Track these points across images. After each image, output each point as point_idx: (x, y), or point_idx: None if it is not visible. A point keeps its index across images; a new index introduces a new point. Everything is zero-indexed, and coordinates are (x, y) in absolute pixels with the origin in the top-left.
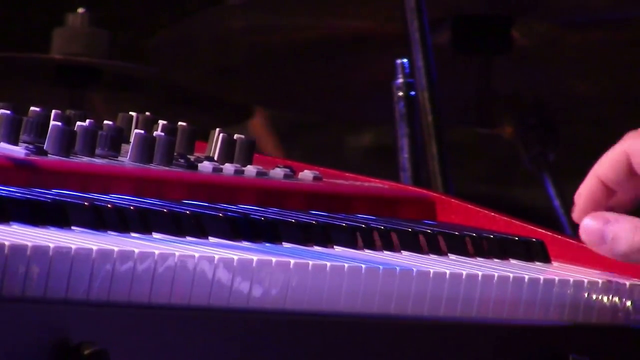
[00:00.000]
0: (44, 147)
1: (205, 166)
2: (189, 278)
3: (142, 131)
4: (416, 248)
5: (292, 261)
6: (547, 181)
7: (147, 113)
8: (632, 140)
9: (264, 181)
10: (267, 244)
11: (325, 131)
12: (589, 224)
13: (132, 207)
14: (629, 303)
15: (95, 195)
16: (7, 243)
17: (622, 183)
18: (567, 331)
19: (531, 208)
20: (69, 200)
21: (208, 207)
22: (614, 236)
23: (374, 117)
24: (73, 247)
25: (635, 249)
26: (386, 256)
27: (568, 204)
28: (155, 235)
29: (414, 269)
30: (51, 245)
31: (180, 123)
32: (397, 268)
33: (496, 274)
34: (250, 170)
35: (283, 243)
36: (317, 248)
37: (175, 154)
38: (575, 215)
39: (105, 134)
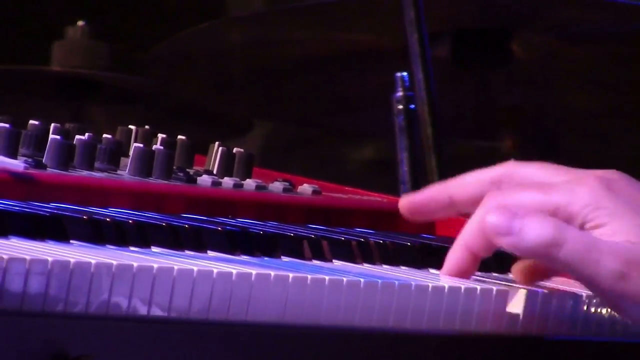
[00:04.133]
0: (43, 161)
1: (204, 180)
2: (187, 292)
3: (141, 145)
4: (413, 261)
5: (291, 275)
6: None
7: (147, 126)
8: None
9: (263, 195)
10: (266, 258)
11: (324, 145)
12: (494, 218)
13: (130, 221)
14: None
15: (94, 209)
16: (5, 257)
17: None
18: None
19: None
20: (67, 213)
21: (207, 221)
22: (523, 228)
23: (373, 131)
24: (72, 260)
25: (545, 242)
26: (385, 270)
27: None
28: (154, 249)
29: (413, 284)
30: (50, 259)
31: (179, 137)
32: (396, 282)
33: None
34: (250, 184)
35: (282, 257)
36: (315, 262)
37: (174, 167)
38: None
39: (104, 148)
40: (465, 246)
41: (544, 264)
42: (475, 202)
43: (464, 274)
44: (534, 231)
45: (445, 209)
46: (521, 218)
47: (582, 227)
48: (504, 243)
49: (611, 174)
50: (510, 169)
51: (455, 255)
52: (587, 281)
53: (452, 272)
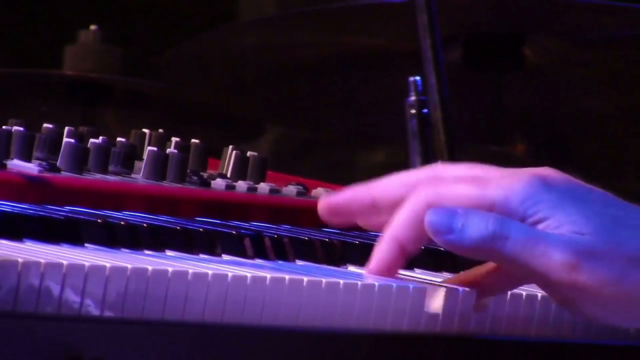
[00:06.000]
0: (57, 164)
1: (218, 183)
2: (202, 295)
3: (155, 148)
4: (431, 265)
5: (305, 279)
6: None
7: (160, 130)
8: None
9: (277, 198)
10: (280, 262)
11: (337, 149)
12: (434, 217)
13: (145, 225)
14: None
15: (108, 213)
16: (20, 260)
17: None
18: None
19: None
20: (82, 217)
21: (221, 225)
22: (465, 223)
23: (385, 135)
24: (86, 264)
25: (489, 237)
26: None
27: None
28: (169, 252)
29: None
30: (64, 262)
31: (193, 140)
32: (411, 286)
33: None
34: (263, 187)
35: (296, 261)
36: (329, 266)
37: (188, 171)
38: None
39: (118, 151)
40: (395, 239)
41: (488, 261)
42: (398, 204)
43: (392, 268)
44: (476, 227)
45: (368, 212)
46: (462, 215)
47: (522, 222)
48: (446, 242)
49: (545, 170)
50: (437, 170)
51: (384, 248)
52: (536, 276)
53: (380, 266)
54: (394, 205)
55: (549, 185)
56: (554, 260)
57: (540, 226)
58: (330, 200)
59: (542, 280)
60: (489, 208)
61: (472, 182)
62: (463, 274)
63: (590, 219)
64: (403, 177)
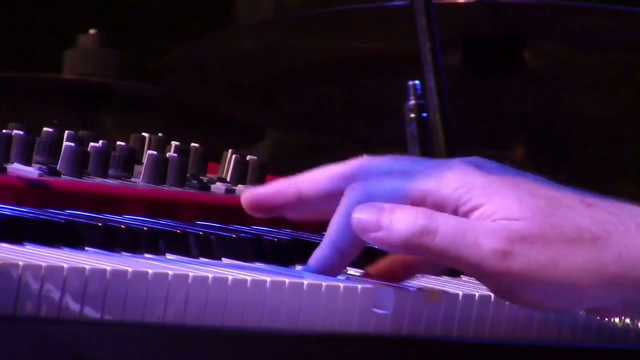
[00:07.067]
0: (57, 168)
1: (218, 187)
2: (202, 299)
3: (155, 152)
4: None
5: (306, 282)
6: None
7: (160, 134)
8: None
9: None
10: (280, 265)
11: (337, 152)
12: (361, 215)
13: (145, 228)
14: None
15: (109, 216)
16: (21, 263)
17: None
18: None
19: None
20: (82, 220)
21: (221, 229)
22: (393, 219)
23: (385, 139)
24: (87, 267)
25: (417, 232)
26: None
27: None
28: (169, 256)
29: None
30: (65, 266)
31: (192, 144)
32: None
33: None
34: None
35: (296, 265)
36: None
37: (187, 175)
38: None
39: (118, 155)
40: (332, 244)
41: (419, 257)
42: (326, 198)
43: (331, 272)
44: (403, 222)
45: (293, 205)
46: (389, 211)
47: (455, 211)
48: (374, 239)
49: (476, 158)
50: (363, 163)
51: (322, 253)
52: (469, 267)
53: (318, 271)
54: (320, 199)
55: (481, 171)
56: (485, 249)
57: (476, 213)
58: (254, 193)
59: (476, 271)
60: (421, 200)
61: (403, 176)
62: (383, 263)
63: (525, 203)
64: (328, 171)
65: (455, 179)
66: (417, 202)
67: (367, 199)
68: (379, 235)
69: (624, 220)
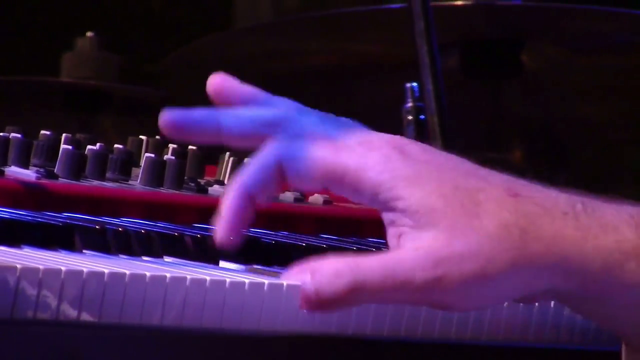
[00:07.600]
0: (55, 171)
1: (216, 190)
2: (200, 301)
3: (153, 155)
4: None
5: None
6: None
7: (157, 137)
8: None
9: (275, 205)
10: (278, 268)
11: None
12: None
13: (142, 231)
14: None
15: (106, 219)
16: (18, 266)
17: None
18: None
19: None
20: (80, 223)
21: None
22: (318, 288)
23: None
24: (85, 270)
25: (345, 292)
26: None
27: None
28: (167, 258)
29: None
30: (63, 269)
31: (190, 147)
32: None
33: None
34: None
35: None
36: None
37: (185, 177)
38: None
39: (116, 158)
40: (244, 187)
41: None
42: (244, 139)
43: (242, 216)
44: (330, 288)
45: (209, 135)
46: (311, 278)
47: (375, 195)
48: (310, 307)
49: (401, 140)
50: (290, 115)
51: (232, 195)
52: (410, 302)
53: (230, 217)
54: (239, 137)
55: (407, 157)
56: (418, 283)
57: (398, 204)
58: (172, 115)
59: (418, 303)
60: (342, 173)
61: (326, 146)
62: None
63: (449, 203)
64: (254, 113)
65: (380, 162)
66: (336, 177)
67: (288, 160)
68: (312, 304)
69: (550, 210)
